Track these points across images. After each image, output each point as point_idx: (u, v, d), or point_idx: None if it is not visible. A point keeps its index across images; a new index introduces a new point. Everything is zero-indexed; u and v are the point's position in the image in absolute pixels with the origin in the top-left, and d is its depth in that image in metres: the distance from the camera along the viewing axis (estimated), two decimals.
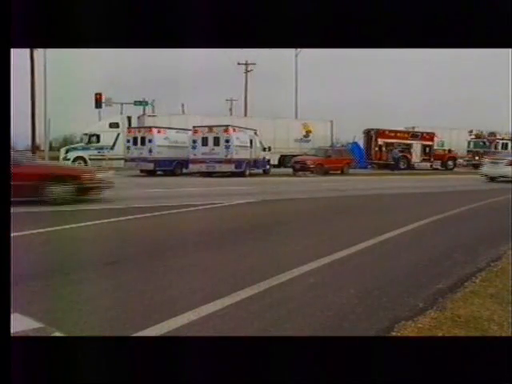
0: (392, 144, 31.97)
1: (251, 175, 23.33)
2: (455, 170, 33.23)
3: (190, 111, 36.07)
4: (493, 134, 35.35)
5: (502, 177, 19.14)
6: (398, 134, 32.79)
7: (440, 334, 3.20)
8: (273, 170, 26.67)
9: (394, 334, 3.27)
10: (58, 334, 3.16)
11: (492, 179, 19.95)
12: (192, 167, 23.33)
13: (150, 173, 23.83)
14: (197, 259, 5.47)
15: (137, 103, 34.80)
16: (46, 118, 26.52)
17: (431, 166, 33.01)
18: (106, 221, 8.04)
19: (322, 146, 29.67)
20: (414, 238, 7.11)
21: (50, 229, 7.01)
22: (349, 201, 12.82)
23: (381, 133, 32.06)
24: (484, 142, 35.28)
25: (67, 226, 7.39)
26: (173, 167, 23.99)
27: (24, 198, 9.39)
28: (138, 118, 30.60)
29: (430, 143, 33.26)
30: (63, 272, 4.74)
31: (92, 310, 3.72)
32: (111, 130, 29.11)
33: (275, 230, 7.57)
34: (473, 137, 36.15)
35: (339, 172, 26.32)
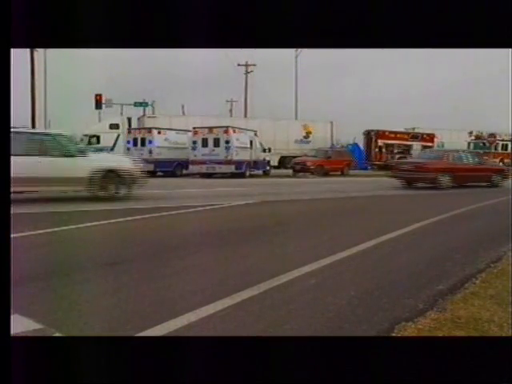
0: (392, 145, 32.00)
1: (251, 176, 23.32)
2: None
3: (190, 112, 36.14)
4: (493, 135, 35.39)
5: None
6: (398, 135, 32.83)
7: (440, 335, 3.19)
8: (273, 171, 26.66)
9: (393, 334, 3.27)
10: (58, 334, 3.16)
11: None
12: (192, 168, 23.34)
13: (150, 174, 23.80)
14: (197, 259, 5.47)
15: (137, 104, 34.85)
16: (46, 119, 26.58)
17: None
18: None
19: (322, 147, 29.69)
20: (414, 238, 7.11)
21: None
22: (349, 202, 12.82)
23: (381, 134, 32.09)
24: (484, 143, 35.32)
25: None
26: (173, 168, 23.99)
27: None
28: (138, 119, 30.63)
29: (429, 144, 33.26)
30: None
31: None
32: (111, 131, 29.06)
33: (275, 231, 7.58)
34: (473, 138, 36.20)
35: (339, 173, 26.32)
